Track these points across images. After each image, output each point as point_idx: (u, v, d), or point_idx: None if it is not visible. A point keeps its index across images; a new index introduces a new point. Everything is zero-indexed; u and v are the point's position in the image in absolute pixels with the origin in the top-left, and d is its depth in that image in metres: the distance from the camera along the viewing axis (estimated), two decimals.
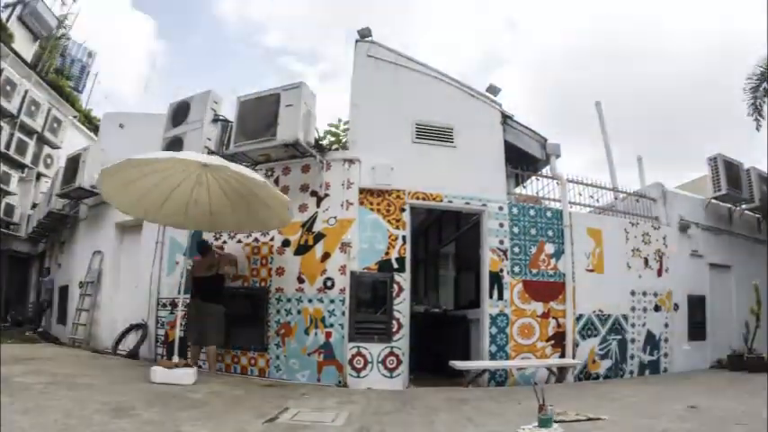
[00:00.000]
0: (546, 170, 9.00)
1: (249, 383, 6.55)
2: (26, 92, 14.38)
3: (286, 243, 7.72)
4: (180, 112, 8.60)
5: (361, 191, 7.67)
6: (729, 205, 10.48)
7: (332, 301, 7.35)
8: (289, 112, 7.31)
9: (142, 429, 3.73)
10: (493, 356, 7.61)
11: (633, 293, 8.67)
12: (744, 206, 10.53)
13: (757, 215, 10.79)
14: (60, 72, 20.78)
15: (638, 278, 8.77)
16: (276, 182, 7.97)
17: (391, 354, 7.23)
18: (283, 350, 7.38)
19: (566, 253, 8.22)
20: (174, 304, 8.24)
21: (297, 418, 4.51)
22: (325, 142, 8.19)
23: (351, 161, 7.76)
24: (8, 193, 14.46)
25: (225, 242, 8.10)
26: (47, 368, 6.27)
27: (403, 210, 7.71)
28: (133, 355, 8.35)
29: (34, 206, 15.41)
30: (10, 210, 14.78)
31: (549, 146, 8.89)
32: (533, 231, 8.19)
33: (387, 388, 6.93)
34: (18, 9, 16.89)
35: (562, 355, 7.87)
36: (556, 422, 4.06)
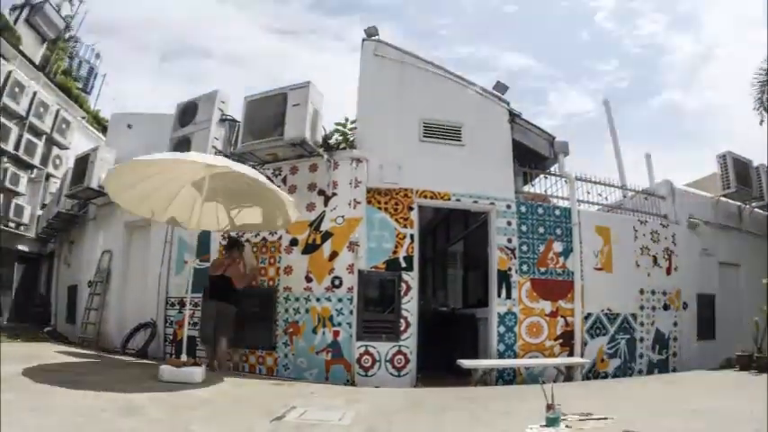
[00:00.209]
0: (554, 168, 8.97)
1: (257, 382, 6.56)
2: (35, 93, 14.45)
3: (294, 242, 7.73)
4: (187, 112, 8.64)
5: (369, 190, 7.67)
6: (739, 203, 10.42)
7: (340, 300, 7.35)
8: (296, 111, 7.33)
9: (150, 428, 3.74)
10: (501, 355, 7.60)
11: (642, 292, 8.62)
12: (753, 204, 10.47)
13: (767, 213, 10.71)
14: (68, 73, 20.89)
15: (646, 277, 8.73)
16: (284, 181, 7.99)
17: (399, 353, 7.22)
18: (291, 349, 7.39)
19: (574, 251, 8.18)
20: (182, 303, 8.28)
21: (304, 416, 4.50)
22: (332, 141, 8.19)
23: (358, 160, 7.76)
24: (17, 194, 14.54)
25: None
26: (55, 367, 6.30)
27: (411, 208, 7.70)
28: (142, 353, 8.39)
29: (43, 206, 15.52)
30: (19, 210, 14.86)
31: (557, 144, 8.87)
32: (541, 230, 8.16)
33: (395, 387, 6.92)
34: (25, 11, 16.98)
35: (570, 354, 7.85)
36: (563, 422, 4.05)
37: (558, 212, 8.35)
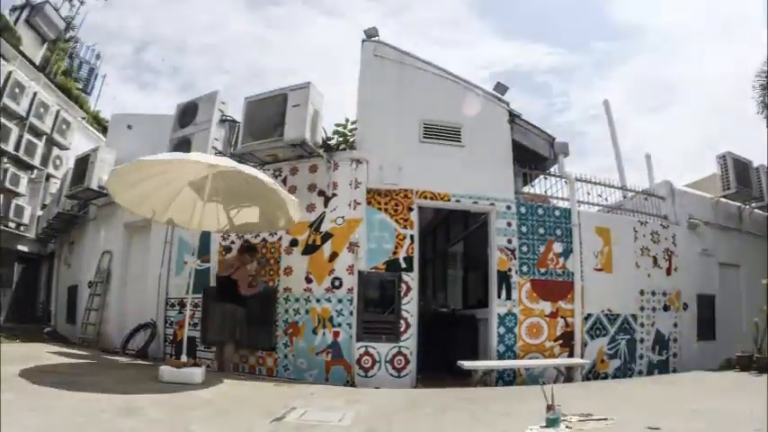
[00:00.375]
0: (554, 169, 8.98)
1: (257, 383, 6.55)
2: (35, 94, 14.47)
3: (294, 243, 7.73)
4: (187, 113, 8.65)
5: (369, 190, 7.67)
6: (739, 204, 10.41)
7: (340, 301, 7.35)
8: (296, 111, 7.33)
9: (150, 428, 3.74)
10: (501, 356, 7.60)
11: (642, 293, 8.62)
12: (753, 204, 10.46)
13: (767, 213, 10.71)
14: (68, 74, 20.91)
15: (646, 277, 8.73)
16: (284, 182, 7.99)
17: (399, 353, 7.23)
18: (291, 350, 7.40)
19: (574, 252, 8.18)
20: (182, 304, 8.29)
21: (304, 417, 4.50)
22: (332, 142, 8.19)
23: (358, 161, 7.76)
24: (17, 194, 14.55)
25: (233, 242, 8.12)
26: (55, 367, 6.30)
27: (411, 209, 7.70)
28: (142, 354, 8.39)
29: (43, 207, 15.53)
30: (19, 210, 14.87)
31: (556, 144, 8.87)
32: (541, 230, 8.16)
33: (395, 387, 6.92)
34: (26, 12, 17.00)
35: (570, 355, 7.85)
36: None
37: (557, 213, 8.35)
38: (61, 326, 11.86)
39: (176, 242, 8.68)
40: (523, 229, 8.07)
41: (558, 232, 8.24)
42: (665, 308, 8.79)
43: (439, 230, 12.21)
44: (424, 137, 8.04)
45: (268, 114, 7.57)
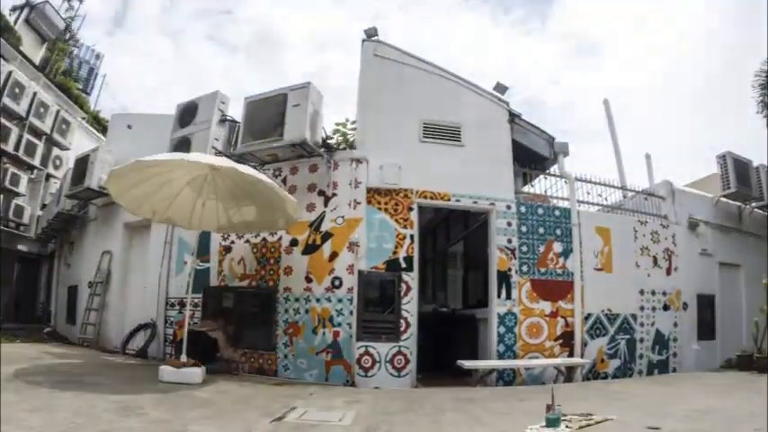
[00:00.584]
0: (554, 168, 8.97)
1: (257, 383, 6.56)
2: (35, 94, 14.46)
3: (294, 242, 7.73)
4: (187, 113, 8.63)
5: (369, 190, 7.66)
6: (739, 203, 10.41)
7: (340, 301, 7.35)
8: (296, 111, 7.33)
9: (150, 428, 3.74)
10: (501, 356, 7.59)
11: (642, 292, 8.62)
12: (753, 204, 10.45)
13: (767, 213, 10.71)
14: (68, 74, 20.90)
15: (646, 277, 8.72)
16: (284, 181, 7.99)
17: (399, 353, 7.22)
18: (291, 349, 7.40)
19: (574, 252, 8.18)
20: (182, 304, 8.30)
21: (304, 417, 4.50)
22: (332, 142, 8.19)
23: (358, 160, 7.76)
24: (17, 194, 14.55)
25: (233, 242, 8.12)
26: (56, 367, 6.30)
27: (411, 209, 7.70)
28: (142, 354, 8.39)
29: (43, 207, 15.52)
30: (19, 211, 14.87)
31: (556, 144, 8.87)
32: (541, 230, 8.16)
33: (395, 387, 6.93)
34: (25, 12, 17.00)
35: (570, 355, 7.84)
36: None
37: (557, 213, 8.35)
38: (61, 326, 11.86)
39: (176, 242, 8.68)
40: (523, 228, 8.07)
41: (558, 232, 8.24)
42: (665, 308, 8.79)
43: (439, 230, 12.21)
44: (424, 137, 8.04)
45: (268, 114, 7.57)
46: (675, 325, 8.84)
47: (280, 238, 7.83)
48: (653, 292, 8.71)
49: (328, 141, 8.05)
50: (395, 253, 7.51)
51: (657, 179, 10.24)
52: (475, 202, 7.99)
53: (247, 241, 8.00)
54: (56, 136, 15.64)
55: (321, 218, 7.68)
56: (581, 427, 4.08)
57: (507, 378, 7.52)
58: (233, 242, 8.12)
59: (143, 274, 9.18)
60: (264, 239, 7.93)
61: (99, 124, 20.05)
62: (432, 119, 8.10)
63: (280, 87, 7.73)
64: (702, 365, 8.95)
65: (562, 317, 7.94)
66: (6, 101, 13.23)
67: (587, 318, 8.09)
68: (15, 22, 16.40)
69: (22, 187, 14.51)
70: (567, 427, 4.05)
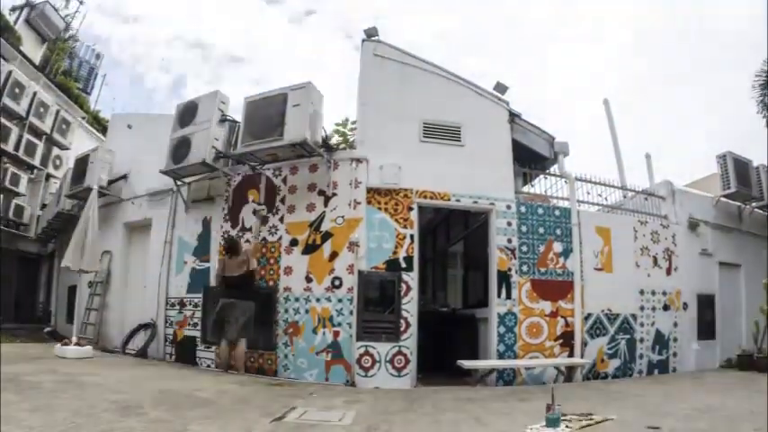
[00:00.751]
0: (554, 168, 8.97)
1: (257, 382, 6.55)
2: (35, 94, 14.43)
3: (294, 242, 7.73)
4: (187, 113, 8.62)
5: (369, 190, 7.66)
6: (739, 203, 10.41)
7: (340, 301, 7.35)
8: (296, 111, 7.31)
9: (150, 428, 3.74)
10: (501, 356, 7.59)
11: (642, 292, 8.62)
12: (754, 204, 10.45)
13: (767, 213, 10.71)
14: (68, 74, 20.88)
15: (646, 277, 8.72)
16: (284, 181, 8.01)
17: (399, 353, 7.22)
18: (291, 349, 7.40)
19: (574, 252, 8.18)
20: (182, 303, 8.31)
21: (304, 417, 4.50)
22: (332, 142, 8.19)
23: (358, 160, 7.76)
24: (17, 194, 14.54)
25: None
26: (56, 367, 6.30)
27: (411, 209, 7.70)
28: (142, 354, 8.40)
29: (43, 207, 15.52)
30: (19, 210, 14.87)
31: (556, 144, 8.87)
32: (541, 230, 8.16)
33: (394, 387, 6.93)
34: (25, 12, 16.98)
35: (570, 355, 7.84)
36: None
37: (557, 213, 8.35)
38: (61, 326, 11.86)
39: (176, 241, 8.70)
40: (523, 228, 8.07)
41: (558, 232, 8.23)
42: (665, 307, 8.79)
43: (439, 230, 12.21)
44: (424, 136, 8.03)
45: (268, 114, 7.56)
46: (675, 325, 8.84)
47: (280, 238, 7.83)
48: (653, 292, 8.71)
49: (328, 141, 8.04)
50: (395, 253, 7.51)
51: (657, 179, 10.24)
52: (475, 202, 7.98)
53: (247, 241, 7.99)
54: (56, 136, 15.62)
55: (321, 218, 7.68)
56: (581, 427, 4.08)
57: (507, 378, 7.52)
58: None
59: (143, 274, 9.19)
60: (265, 239, 7.92)
61: (99, 124, 20.04)
62: (432, 119, 8.09)
63: (280, 87, 7.73)
64: (702, 365, 8.96)
65: (562, 317, 7.94)
66: (6, 101, 13.20)
67: (587, 318, 8.09)
68: (15, 22, 16.39)
69: (22, 187, 14.49)
70: (567, 427, 4.05)
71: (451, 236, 11.28)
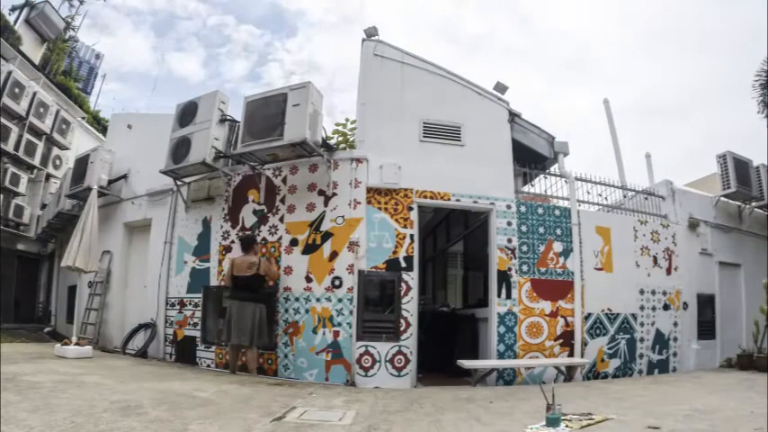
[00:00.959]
0: (554, 168, 8.97)
1: (257, 382, 6.55)
2: (34, 94, 14.46)
3: (294, 242, 7.73)
4: (187, 113, 8.62)
5: (369, 190, 7.66)
6: (739, 203, 10.41)
7: (340, 300, 7.35)
8: (296, 111, 7.31)
9: (150, 428, 3.74)
10: (501, 355, 7.59)
11: (642, 292, 8.62)
12: (754, 204, 10.45)
13: (767, 213, 10.71)
14: (68, 74, 20.91)
15: (646, 277, 8.72)
16: (284, 181, 8.01)
17: (399, 353, 7.22)
18: (291, 349, 7.40)
19: (574, 251, 8.18)
20: (182, 303, 8.31)
21: (304, 416, 4.50)
22: (332, 142, 8.19)
23: (358, 160, 7.76)
24: (17, 194, 14.55)
25: (233, 242, 8.12)
26: (56, 367, 6.30)
27: (411, 209, 7.70)
28: (142, 354, 8.40)
29: (43, 207, 15.53)
30: (19, 210, 14.88)
31: (556, 144, 8.87)
32: (541, 230, 8.16)
33: (395, 387, 6.93)
34: (25, 12, 17.00)
35: (570, 355, 7.85)
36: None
37: (557, 212, 8.35)
38: (61, 326, 11.88)
39: (176, 241, 8.70)
40: (523, 228, 8.07)
41: (558, 231, 8.24)
42: (665, 307, 8.79)
43: (439, 230, 12.22)
44: (424, 136, 8.04)
45: (268, 114, 7.56)
46: (675, 324, 8.84)
47: (280, 238, 7.83)
48: (653, 292, 8.72)
49: (328, 141, 8.05)
50: (395, 252, 7.51)
51: (657, 179, 10.24)
52: (475, 202, 7.99)
53: (247, 234, 8.00)
54: (56, 136, 15.65)
55: (321, 218, 7.68)
56: (581, 427, 4.07)
57: (507, 378, 7.52)
58: (233, 242, 8.12)
59: (143, 274, 9.19)
60: (265, 239, 7.93)
61: (99, 124, 20.06)
62: (432, 118, 8.10)
63: (280, 87, 7.74)
64: (702, 365, 8.96)
65: (562, 316, 7.94)
66: (6, 101, 13.22)
67: (587, 317, 8.10)
68: (15, 22, 16.40)
69: (22, 187, 14.52)
70: (567, 426, 4.04)
71: (451, 236, 11.28)
